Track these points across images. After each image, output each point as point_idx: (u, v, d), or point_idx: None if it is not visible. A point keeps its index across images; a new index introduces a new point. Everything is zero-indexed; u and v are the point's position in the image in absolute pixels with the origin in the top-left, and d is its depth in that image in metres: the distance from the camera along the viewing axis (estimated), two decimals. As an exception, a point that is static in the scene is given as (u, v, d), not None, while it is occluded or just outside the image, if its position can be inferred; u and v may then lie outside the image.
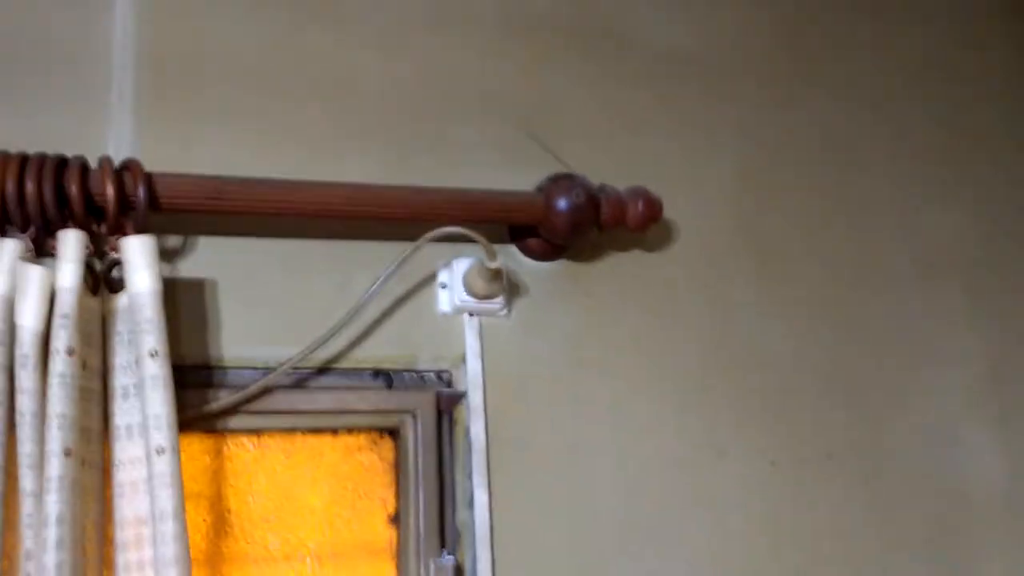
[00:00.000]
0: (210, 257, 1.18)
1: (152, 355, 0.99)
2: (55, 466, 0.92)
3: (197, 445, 1.15)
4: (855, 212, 1.54)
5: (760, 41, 1.58)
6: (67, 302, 0.97)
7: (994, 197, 1.63)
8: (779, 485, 1.34)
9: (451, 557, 1.17)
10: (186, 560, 0.95)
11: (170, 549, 0.94)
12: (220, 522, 1.13)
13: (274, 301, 1.20)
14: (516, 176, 1.32)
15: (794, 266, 1.47)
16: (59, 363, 0.95)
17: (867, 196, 1.56)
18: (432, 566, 1.15)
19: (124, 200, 1.05)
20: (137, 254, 1.02)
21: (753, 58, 1.56)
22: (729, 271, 1.43)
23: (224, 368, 1.15)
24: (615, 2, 1.50)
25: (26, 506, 0.94)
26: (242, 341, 1.17)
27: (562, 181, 1.26)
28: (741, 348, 1.39)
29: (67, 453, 0.93)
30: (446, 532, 1.19)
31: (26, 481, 0.94)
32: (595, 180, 1.29)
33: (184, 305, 1.15)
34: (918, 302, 1.52)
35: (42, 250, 1.05)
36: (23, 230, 1.03)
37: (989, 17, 1.76)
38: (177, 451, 0.97)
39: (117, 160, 1.08)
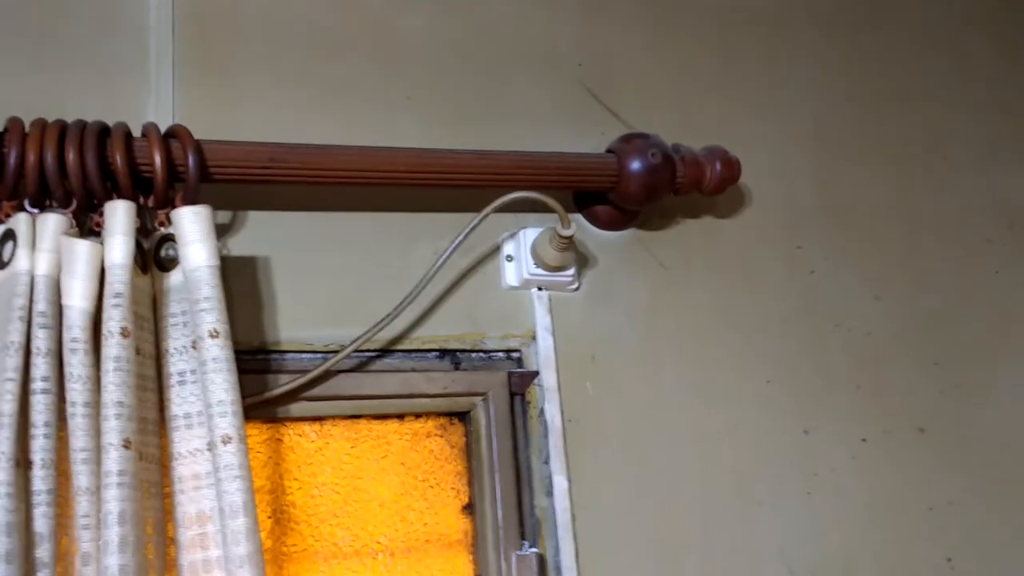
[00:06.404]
0: (262, 233, 1.10)
1: (213, 335, 0.90)
2: (114, 460, 0.83)
3: (256, 436, 1.05)
4: (940, 168, 1.45)
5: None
6: (120, 279, 0.88)
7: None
8: (869, 461, 1.25)
9: (533, 548, 1.07)
10: (260, 558, 0.86)
11: (242, 547, 0.85)
12: (284, 518, 1.04)
13: (331, 279, 1.11)
14: (577, 138, 1.25)
15: (878, 229, 1.38)
16: (113, 346, 0.86)
17: (952, 151, 1.47)
18: (513, 558, 1.06)
19: (172, 170, 0.97)
20: (191, 227, 0.93)
21: (821, 9, 1.47)
22: (808, 235, 1.34)
23: (281, 351, 1.07)
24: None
25: (81, 505, 0.85)
26: (298, 322, 1.08)
27: (636, 140, 1.16)
28: (823, 317, 1.30)
29: (126, 445, 0.84)
30: (524, 521, 1.09)
31: (81, 478, 0.85)
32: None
33: (236, 285, 1.06)
34: (1009, 264, 1.43)
35: (83, 227, 0.96)
36: (64, 205, 0.94)
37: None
38: (244, 439, 0.88)
39: (161, 127, 0.99)
